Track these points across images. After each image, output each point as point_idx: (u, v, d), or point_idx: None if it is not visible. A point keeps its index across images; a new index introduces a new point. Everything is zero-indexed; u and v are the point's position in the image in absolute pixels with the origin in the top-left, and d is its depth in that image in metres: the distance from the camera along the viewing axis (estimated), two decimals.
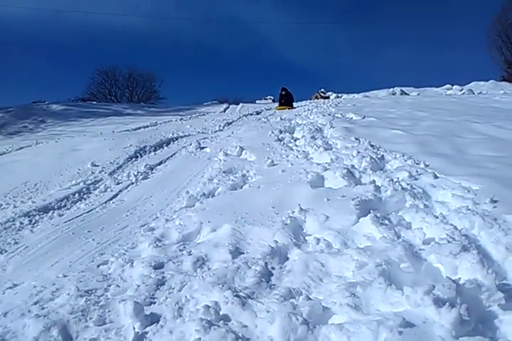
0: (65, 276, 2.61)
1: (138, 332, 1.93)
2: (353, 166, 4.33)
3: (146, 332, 1.94)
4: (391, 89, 23.29)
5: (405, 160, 4.47)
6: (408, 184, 3.65)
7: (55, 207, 4.15)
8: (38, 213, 3.94)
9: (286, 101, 14.39)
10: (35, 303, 2.27)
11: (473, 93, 18.43)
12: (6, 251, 3.14)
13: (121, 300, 2.18)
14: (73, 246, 3.17)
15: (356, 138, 5.71)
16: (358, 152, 4.79)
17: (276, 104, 15.15)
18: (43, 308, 2.19)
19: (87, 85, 30.09)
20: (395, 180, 3.73)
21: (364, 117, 8.13)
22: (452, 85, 22.33)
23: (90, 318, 2.07)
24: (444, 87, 22.89)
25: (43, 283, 2.53)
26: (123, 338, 1.90)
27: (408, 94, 20.55)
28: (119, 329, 1.97)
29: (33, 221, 3.78)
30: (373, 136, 5.93)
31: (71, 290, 2.32)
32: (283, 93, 14.37)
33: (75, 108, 15.24)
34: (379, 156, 4.64)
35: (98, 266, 2.75)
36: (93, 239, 3.30)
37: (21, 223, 3.70)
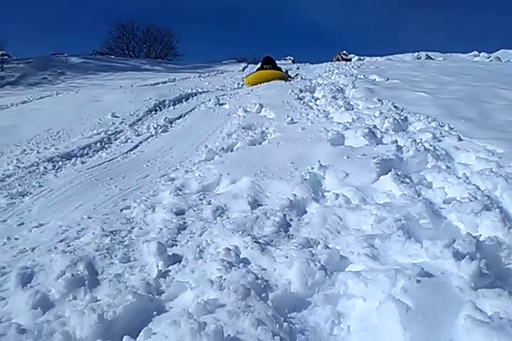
0: (89, 218, 2.70)
1: (161, 270, 2.00)
2: (374, 126, 4.26)
3: (169, 271, 2.01)
4: (416, 54, 22.51)
5: (429, 123, 4.39)
6: (431, 145, 3.59)
7: (78, 154, 4.22)
8: (61, 159, 4.02)
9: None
10: (61, 241, 2.37)
11: (501, 60, 17.73)
12: (30, 193, 3.23)
13: (145, 241, 2.26)
14: (96, 192, 3.24)
15: (379, 100, 5.59)
16: (381, 113, 4.70)
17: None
18: (69, 245, 2.28)
19: (104, 39, 29.56)
20: (418, 141, 3.68)
21: (388, 79, 7.91)
22: (479, 52, 21.50)
23: (115, 256, 2.15)
24: (471, 53, 22.06)
25: (68, 223, 2.63)
26: (147, 275, 1.98)
27: (433, 59, 19.85)
28: (143, 267, 2.05)
29: (57, 166, 3.86)
30: (397, 97, 5.80)
31: (96, 230, 2.40)
32: (267, 68, 9.51)
33: (94, 61, 15.11)
34: (402, 118, 4.55)
35: (121, 211, 2.83)
36: (115, 186, 3.36)
37: (45, 168, 3.77)
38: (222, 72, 13.53)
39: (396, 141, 3.71)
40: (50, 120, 5.36)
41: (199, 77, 11.92)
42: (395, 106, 5.11)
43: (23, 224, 2.72)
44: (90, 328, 1.51)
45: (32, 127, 5.11)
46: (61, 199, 3.12)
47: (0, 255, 2.28)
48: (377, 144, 3.76)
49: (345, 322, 1.67)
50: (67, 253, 2.14)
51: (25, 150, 4.29)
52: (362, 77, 8.36)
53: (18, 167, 3.75)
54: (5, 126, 5.24)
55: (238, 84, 9.37)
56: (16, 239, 2.48)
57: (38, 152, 4.20)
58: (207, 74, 12.70)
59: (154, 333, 1.49)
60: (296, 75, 9.72)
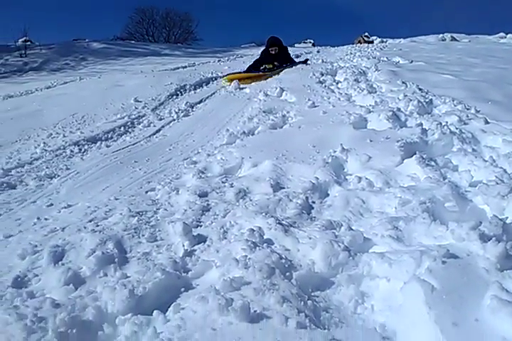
0: (116, 199, 2.77)
1: (187, 250, 2.04)
2: (398, 109, 4.19)
3: (195, 250, 2.06)
4: (440, 35, 21.85)
5: (455, 105, 4.29)
6: (457, 128, 3.53)
7: (103, 138, 4.32)
8: (86, 143, 4.12)
9: (279, 61, 7.72)
10: (90, 221, 2.44)
11: None
12: (58, 176, 3.33)
13: (171, 222, 2.31)
14: (122, 174, 3.32)
15: (403, 82, 5.48)
16: (405, 95, 4.61)
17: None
18: (97, 225, 2.35)
19: (125, 24, 29.69)
20: (443, 123, 3.61)
21: (411, 61, 7.74)
22: (506, 34, 20.73)
23: (143, 235, 2.21)
24: (498, 35, 21.29)
25: (96, 204, 2.70)
26: (173, 253, 2.03)
27: (458, 41, 19.25)
28: (170, 246, 2.10)
29: (83, 150, 3.96)
30: (421, 80, 5.67)
31: (123, 211, 2.46)
32: (272, 52, 7.73)
33: (115, 47, 15.20)
34: (427, 100, 4.46)
35: (146, 192, 2.89)
36: (140, 169, 3.43)
37: (71, 151, 3.88)
38: (241, 56, 13.41)
39: (421, 124, 3.65)
40: (75, 104, 5.47)
41: (218, 61, 11.85)
42: (420, 89, 5.01)
43: (52, 205, 2.81)
44: (122, 303, 1.56)
45: (57, 111, 5.22)
46: (88, 181, 3.21)
47: (31, 234, 2.36)
48: (401, 127, 3.71)
49: (368, 301, 1.68)
50: (96, 233, 2.20)
51: (51, 134, 4.40)
52: (385, 59, 8.20)
53: (46, 150, 3.86)
54: (31, 111, 5.37)
55: None
56: (46, 219, 2.57)
57: (64, 136, 4.31)
58: (226, 58, 12.63)
59: (183, 308, 1.54)
60: (305, 60, 8.53)
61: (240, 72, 7.33)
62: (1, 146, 4.07)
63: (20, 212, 2.72)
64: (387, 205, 2.43)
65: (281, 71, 7.44)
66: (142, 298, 1.61)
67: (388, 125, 3.76)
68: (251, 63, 7.83)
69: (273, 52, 7.71)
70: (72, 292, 1.75)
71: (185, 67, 10.25)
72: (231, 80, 6.86)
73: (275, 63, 7.61)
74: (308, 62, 8.49)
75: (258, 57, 8.05)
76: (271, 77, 7.21)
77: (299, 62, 8.27)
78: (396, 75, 6.08)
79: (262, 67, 7.55)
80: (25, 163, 3.56)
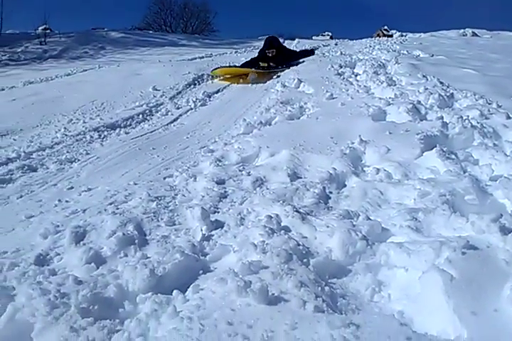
0: (135, 184, 2.81)
1: (205, 234, 2.07)
2: (419, 102, 4.14)
3: (212, 235, 2.09)
4: (461, 30, 21.41)
5: (476, 100, 4.23)
6: (478, 122, 3.47)
7: (122, 125, 4.38)
8: (106, 129, 4.18)
9: (276, 61, 7.36)
10: (111, 204, 2.48)
11: None
12: (79, 160, 3.39)
13: (189, 207, 2.34)
14: (140, 160, 3.37)
15: (423, 75, 5.41)
16: (426, 88, 4.55)
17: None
18: (118, 208, 2.39)
19: (143, 15, 29.68)
20: (465, 117, 3.56)
21: (432, 55, 7.63)
22: None
23: (161, 219, 2.25)
24: None
25: (115, 188, 2.75)
26: (192, 237, 2.05)
27: (480, 36, 18.85)
28: (188, 230, 2.13)
29: (102, 136, 4.02)
30: (442, 74, 5.59)
31: (142, 195, 2.50)
32: (269, 54, 7.45)
33: (133, 36, 15.22)
34: (448, 94, 4.40)
35: (164, 178, 2.92)
36: (158, 156, 3.47)
37: (91, 137, 3.94)
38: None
39: (441, 118, 3.61)
40: (94, 92, 5.53)
41: (235, 52, 11.79)
42: (441, 83, 4.94)
43: (72, 188, 2.87)
44: (142, 282, 1.59)
45: (77, 98, 5.29)
46: (108, 166, 3.27)
47: (53, 215, 2.42)
48: (422, 120, 3.68)
49: (385, 290, 1.68)
50: (116, 215, 2.25)
51: (71, 119, 4.47)
52: (405, 52, 8.08)
53: (66, 135, 3.93)
54: (51, 97, 5.44)
55: None
56: (67, 201, 2.63)
57: (84, 122, 4.37)
58: (243, 49, 12.54)
59: (202, 289, 1.56)
60: (311, 51, 8.46)
61: (232, 67, 7.05)
62: (23, 130, 4.15)
63: (42, 194, 2.77)
64: (406, 197, 2.41)
65: (277, 73, 7.04)
66: (162, 278, 1.64)
67: (408, 118, 3.73)
68: (247, 60, 7.66)
69: (270, 55, 7.47)
70: (94, 270, 1.79)
71: (203, 57, 10.22)
72: (224, 74, 6.65)
73: (271, 64, 7.33)
74: (312, 54, 8.26)
75: (257, 55, 7.87)
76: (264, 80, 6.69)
77: (303, 53, 8.06)
78: (416, 68, 5.99)
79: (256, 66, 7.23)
80: (46, 147, 3.62)
